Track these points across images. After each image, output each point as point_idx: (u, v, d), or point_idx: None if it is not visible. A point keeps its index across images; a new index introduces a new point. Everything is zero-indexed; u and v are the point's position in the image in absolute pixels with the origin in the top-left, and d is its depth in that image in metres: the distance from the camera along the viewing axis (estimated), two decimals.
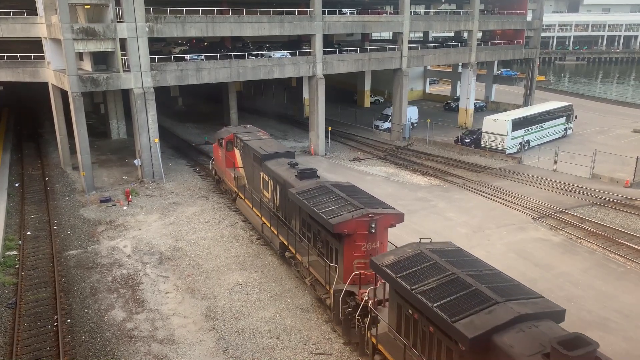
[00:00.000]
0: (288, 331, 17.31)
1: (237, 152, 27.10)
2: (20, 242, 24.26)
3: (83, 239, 24.59)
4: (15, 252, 23.20)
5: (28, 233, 25.38)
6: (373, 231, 15.97)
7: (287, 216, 21.05)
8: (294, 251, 19.92)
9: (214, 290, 19.94)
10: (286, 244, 20.65)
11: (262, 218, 23.20)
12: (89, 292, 19.88)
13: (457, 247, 14.24)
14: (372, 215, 15.94)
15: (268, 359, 15.91)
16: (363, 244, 16.11)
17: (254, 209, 24.45)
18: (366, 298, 15.01)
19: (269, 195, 23.07)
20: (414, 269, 12.84)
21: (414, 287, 12.10)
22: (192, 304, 19.03)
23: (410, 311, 12.56)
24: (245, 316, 18.18)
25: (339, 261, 16.76)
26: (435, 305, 11.32)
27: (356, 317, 15.36)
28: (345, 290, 15.99)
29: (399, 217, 16.73)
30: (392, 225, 16.69)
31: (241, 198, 26.61)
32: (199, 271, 21.42)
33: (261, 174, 23.52)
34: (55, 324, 17.69)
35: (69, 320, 17.95)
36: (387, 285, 14.06)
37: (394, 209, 17.06)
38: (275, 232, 21.65)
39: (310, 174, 20.48)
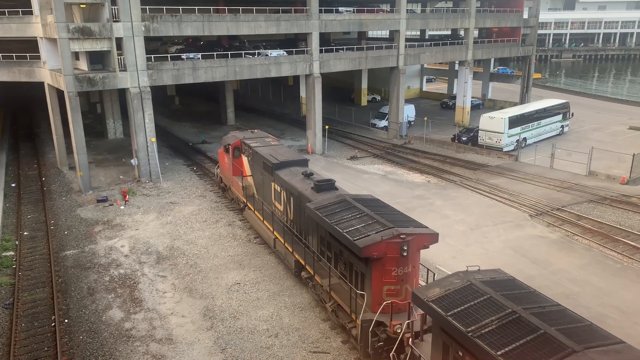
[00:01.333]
0: (286, 330, 17.32)
1: (244, 159, 25.62)
2: (17, 242, 24.19)
3: (80, 239, 24.54)
4: (12, 253, 23.13)
5: (25, 233, 25.31)
6: (405, 254, 14.23)
7: (302, 231, 19.36)
8: (312, 272, 18.06)
9: (212, 289, 19.92)
10: (303, 263, 18.85)
11: (275, 232, 21.36)
12: (87, 292, 19.84)
13: (508, 276, 12.69)
14: (404, 236, 14.22)
15: (266, 358, 15.91)
16: (394, 268, 14.37)
17: (264, 221, 22.66)
18: (399, 330, 13.73)
19: (281, 208, 21.40)
20: (466, 306, 11.14)
21: (470, 329, 10.45)
22: (190, 303, 19.02)
23: (461, 353, 10.92)
24: (244, 315, 18.17)
25: (366, 287, 15.01)
26: (499, 353, 9.65)
27: (392, 355, 13.72)
28: (375, 320, 14.30)
29: (433, 237, 14.96)
30: (425, 247, 14.92)
31: (250, 209, 24.67)
32: (196, 270, 21.40)
33: (272, 184, 21.91)
34: (52, 324, 17.65)
35: (66, 321, 17.91)
36: (426, 316, 12.60)
37: (426, 227, 15.28)
38: (290, 250, 19.77)
39: (328, 185, 18.76)
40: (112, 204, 28.73)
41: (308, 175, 20.17)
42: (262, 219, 22.99)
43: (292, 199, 20.07)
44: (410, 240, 14.31)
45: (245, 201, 25.12)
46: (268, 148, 23.93)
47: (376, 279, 14.56)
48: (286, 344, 16.59)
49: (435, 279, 15.72)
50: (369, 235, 14.39)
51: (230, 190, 27.92)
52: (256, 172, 24.03)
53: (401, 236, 14.21)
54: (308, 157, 23.25)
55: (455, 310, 11.11)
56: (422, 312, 12.45)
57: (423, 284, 16.53)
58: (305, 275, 18.86)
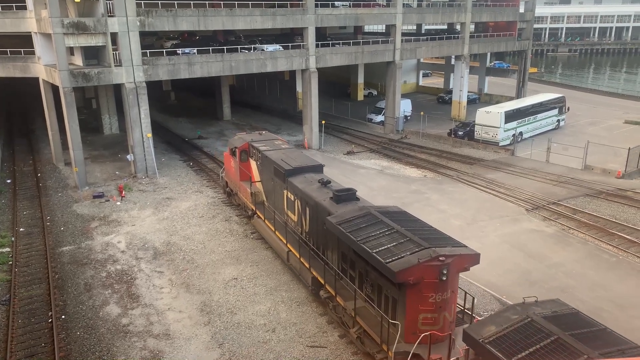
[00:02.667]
0: (283, 324, 17.35)
1: (253, 163, 23.99)
2: (13, 238, 24.12)
3: (77, 235, 24.49)
4: (8, 249, 23.07)
5: (21, 230, 25.24)
6: (444, 279, 12.72)
7: (320, 246, 17.76)
8: (332, 292, 16.41)
9: (209, 284, 19.93)
10: (322, 282, 17.16)
11: (288, 245, 19.75)
12: (84, 288, 19.82)
13: (572, 309, 11.35)
14: (443, 258, 12.68)
15: (264, 353, 15.95)
16: (431, 294, 12.87)
17: (276, 232, 20.85)
18: None
19: (295, 218, 19.79)
20: (530, 350, 9.67)
21: None
22: (187, 298, 19.03)
23: None
24: (241, 310, 18.20)
25: (399, 315, 13.47)
26: None
27: None
28: (412, 353, 12.83)
29: (474, 258, 13.36)
30: (466, 269, 13.43)
31: (259, 217, 22.99)
32: (193, 266, 21.40)
33: (285, 191, 20.23)
34: (49, 320, 17.64)
35: (63, 317, 17.90)
36: (469, 351, 11.25)
37: (465, 246, 13.68)
38: (307, 265, 18.07)
39: (349, 195, 17.17)
40: (109, 200, 28.66)
41: (325, 184, 18.52)
42: (273, 229, 21.13)
43: (308, 209, 18.41)
44: (450, 263, 12.77)
45: (254, 209, 23.52)
46: (278, 152, 22.35)
47: (411, 307, 13.06)
48: (283, 338, 16.63)
49: (474, 303, 14.95)
50: (403, 256, 12.81)
51: (237, 196, 26.28)
52: (266, 177, 22.44)
53: (440, 258, 12.64)
54: (323, 163, 21.35)
55: (519, 356, 9.68)
56: (466, 346, 11.17)
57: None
58: (325, 294, 17.15)
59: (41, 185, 31.54)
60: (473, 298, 15.09)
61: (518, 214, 26.52)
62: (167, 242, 23.57)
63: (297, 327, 17.18)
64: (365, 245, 13.70)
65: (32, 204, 28.63)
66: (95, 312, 18.20)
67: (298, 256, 18.84)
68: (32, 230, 25.22)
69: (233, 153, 25.43)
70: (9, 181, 32.54)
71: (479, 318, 15.07)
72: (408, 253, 12.93)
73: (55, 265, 21.55)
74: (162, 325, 17.44)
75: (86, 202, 28.58)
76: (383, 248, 13.40)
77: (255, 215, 23.70)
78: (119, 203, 28.29)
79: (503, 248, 22.74)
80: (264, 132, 27.00)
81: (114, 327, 17.33)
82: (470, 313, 14.79)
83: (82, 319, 17.80)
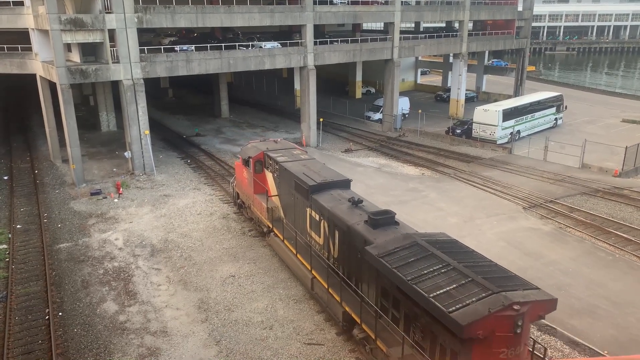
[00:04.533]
0: (281, 322, 17.38)
1: (269, 175, 22.06)
2: (10, 235, 24.08)
3: (74, 232, 24.46)
4: (5, 246, 23.04)
5: (18, 226, 25.20)
6: (519, 331, 10.73)
7: (353, 276, 15.69)
8: (372, 335, 13.99)
9: (207, 282, 19.94)
10: (358, 320, 14.84)
11: (313, 271, 17.60)
12: (81, 285, 19.81)
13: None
14: (518, 307, 10.58)
15: (261, 350, 15.97)
16: (503, 350, 10.88)
17: (298, 255, 18.73)
18: None
19: (320, 241, 17.75)
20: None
21: None
22: (185, 295, 19.04)
23: None
24: (238, 307, 18.22)
25: None
26: None
27: None
28: None
29: (552, 305, 11.35)
30: (541, 317, 11.59)
31: (277, 236, 20.90)
32: (191, 263, 21.40)
33: (308, 210, 18.22)
34: (46, 317, 17.63)
35: (60, 314, 17.89)
36: None
37: (537, 288, 11.62)
38: (338, 299, 15.85)
39: (387, 219, 14.94)
40: (106, 197, 28.62)
41: (356, 203, 16.39)
42: (295, 252, 18.97)
43: (337, 232, 16.36)
44: (526, 312, 10.74)
45: (270, 226, 21.46)
46: (298, 163, 20.21)
47: None
48: (281, 335, 16.66)
49: (547, 356, 13.35)
50: (468, 303, 10.75)
51: (250, 209, 24.12)
52: (284, 192, 20.39)
53: (514, 307, 10.58)
54: (350, 178, 19.11)
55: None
56: None
57: None
58: (360, 334, 14.85)
59: (38, 182, 31.48)
60: (545, 348, 13.36)
61: (515, 212, 26.58)
62: (164, 240, 23.56)
63: (295, 325, 17.20)
64: (419, 287, 11.56)
65: (29, 200, 28.58)
66: (93, 309, 18.20)
67: (326, 286, 16.58)
68: (29, 227, 25.18)
69: (246, 163, 23.26)
70: (5, 178, 32.47)
71: None
72: (474, 299, 10.84)
73: (53, 262, 21.53)
74: (160, 322, 17.45)
75: (83, 199, 28.55)
76: (441, 292, 11.27)
77: (271, 233, 21.63)
78: (116, 200, 28.26)
79: (500, 246, 22.79)
80: (279, 139, 24.89)
81: (111, 324, 17.33)
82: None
83: (79, 316, 17.79)
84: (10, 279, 20.10)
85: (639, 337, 16.52)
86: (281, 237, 20.35)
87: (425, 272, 12.00)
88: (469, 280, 11.43)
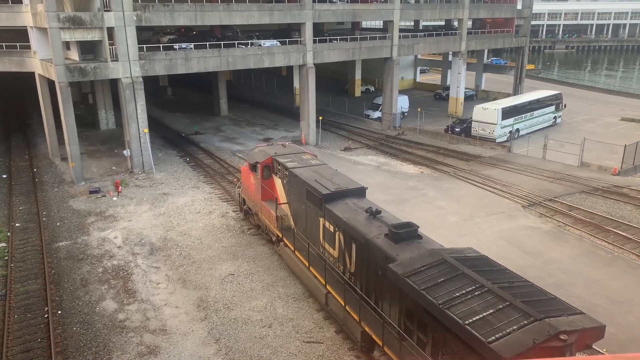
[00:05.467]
0: (280, 320, 17.38)
1: (277, 181, 21.14)
2: (8, 233, 24.04)
3: (73, 230, 24.43)
4: (4, 244, 23.00)
5: (17, 225, 25.16)
6: None
7: (373, 293, 14.62)
8: (395, 359, 13.10)
9: (206, 280, 19.93)
10: (379, 343, 13.76)
11: (328, 286, 16.59)
12: (80, 283, 19.79)
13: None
14: (565, 337, 9.75)
15: (260, 348, 15.97)
16: None
17: (311, 268, 17.79)
18: None
19: (334, 253, 16.83)
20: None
21: None
22: (184, 294, 19.02)
23: None
24: (237, 306, 18.21)
25: None
26: None
27: None
28: None
29: (600, 332, 10.55)
30: (588, 346, 10.84)
31: (288, 246, 19.98)
32: (190, 261, 21.38)
33: (321, 219, 17.33)
34: (45, 315, 17.61)
35: (59, 312, 17.88)
36: None
37: (582, 313, 10.85)
38: (357, 318, 14.79)
39: (410, 233, 13.98)
40: (105, 195, 28.59)
41: (374, 214, 15.43)
42: (307, 264, 18.04)
43: (354, 246, 15.40)
44: (575, 341, 9.92)
45: (280, 236, 20.57)
46: (309, 169, 19.23)
47: None
48: (280, 334, 16.66)
49: None
50: (509, 332, 9.74)
51: (258, 216, 23.16)
52: (295, 199, 19.52)
53: (561, 337, 9.71)
54: (365, 186, 18.17)
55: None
56: None
57: None
58: (382, 358, 13.84)
59: (37, 180, 31.43)
60: None
61: (514, 211, 26.59)
62: (163, 238, 23.54)
63: (294, 323, 17.20)
64: (452, 312, 10.52)
65: (28, 199, 28.54)
66: (92, 307, 18.18)
67: (342, 303, 15.56)
68: (28, 225, 25.14)
69: (253, 168, 22.32)
70: (4, 176, 32.41)
71: None
72: (515, 327, 9.82)
73: (52, 260, 21.51)
74: (159, 320, 17.43)
75: (82, 197, 28.51)
76: (477, 318, 10.22)
77: (281, 243, 20.71)
78: (115, 198, 28.22)
79: (499, 244, 22.80)
80: (287, 143, 24.13)
81: (110, 322, 17.31)
82: None
83: (78, 314, 17.78)
84: (9, 277, 20.07)
85: (639, 336, 16.54)
86: (292, 248, 19.43)
87: (457, 294, 10.95)
88: (506, 305, 10.32)
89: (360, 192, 17.51)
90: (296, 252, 19.06)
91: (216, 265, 21.06)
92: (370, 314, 14.33)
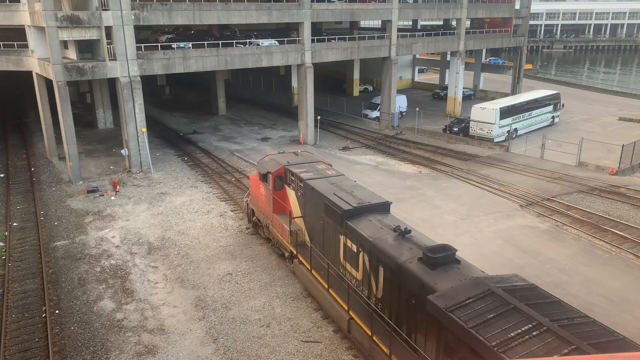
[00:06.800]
0: (278, 319, 17.38)
1: (290, 193, 19.76)
2: (6, 233, 24.00)
3: (71, 230, 24.40)
4: (1, 244, 22.96)
5: (14, 224, 25.12)
6: None
7: (404, 323, 13.16)
8: None
9: (204, 279, 19.93)
10: None
11: (351, 312, 15.12)
12: (78, 283, 19.77)
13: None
14: None
15: (258, 348, 15.98)
16: None
17: (331, 290, 16.35)
18: None
19: (358, 275, 15.38)
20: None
21: None
22: (182, 293, 19.02)
23: None
24: (235, 305, 18.21)
25: None
26: None
27: None
28: None
29: None
30: None
31: (303, 264, 18.54)
32: (188, 261, 21.38)
33: (342, 237, 15.91)
34: (43, 315, 17.59)
35: (57, 312, 17.85)
36: None
37: None
38: (386, 350, 13.31)
39: (447, 257, 12.56)
40: (103, 195, 28.55)
41: (403, 233, 14.02)
42: (327, 286, 16.53)
43: (382, 269, 13.96)
44: None
45: (295, 252, 19.15)
46: (325, 181, 17.87)
47: None
48: (278, 333, 16.66)
49: None
50: None
51: (268, 229, 21.75)
52: (310, 213, 18.16)
53: None
54: (389, 200, 16.87)
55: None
56: None
57: None
58: None
59: (35, 179, 31.38)
60: None
61: (512, 210, 26.63)
62: (161, 237, 23.53)
63: (292, 322, 17.21)
64: (509, 357, 9.28)
65: (26, 198, 28.49)
66: (90, 307, 18.16)
67: (369, 333, 14.03)
68: (25, 224, 25.10)
69: (264, 178, 20.89)
70: (2, 175, 32.34)
71: None
72: None
73: (49, 260, 21.48)
74: (157, 320, 17.43)
75: (80, 196, 28.47)
76: None
77: (296, 260, 19.29)
78: (113, 198, 28.19)
79: (497, 244, 22.84)
80: (300, 151, 22.33)
81: (108, 322, 17.30)
82: None
83: (76, 313, 17.76)
84: (6, 276, 20.04)
85: (636, 335, 16.58)
86: (308, 267, 18.03)
87: (512, 334, 9.64)
88: (573, 349, 9.10)
89: (384, 207, 16.08)
90: (313, 272, 17.63)
91: (214, 264, 21.06)
92: (402, 346, 12.94)
